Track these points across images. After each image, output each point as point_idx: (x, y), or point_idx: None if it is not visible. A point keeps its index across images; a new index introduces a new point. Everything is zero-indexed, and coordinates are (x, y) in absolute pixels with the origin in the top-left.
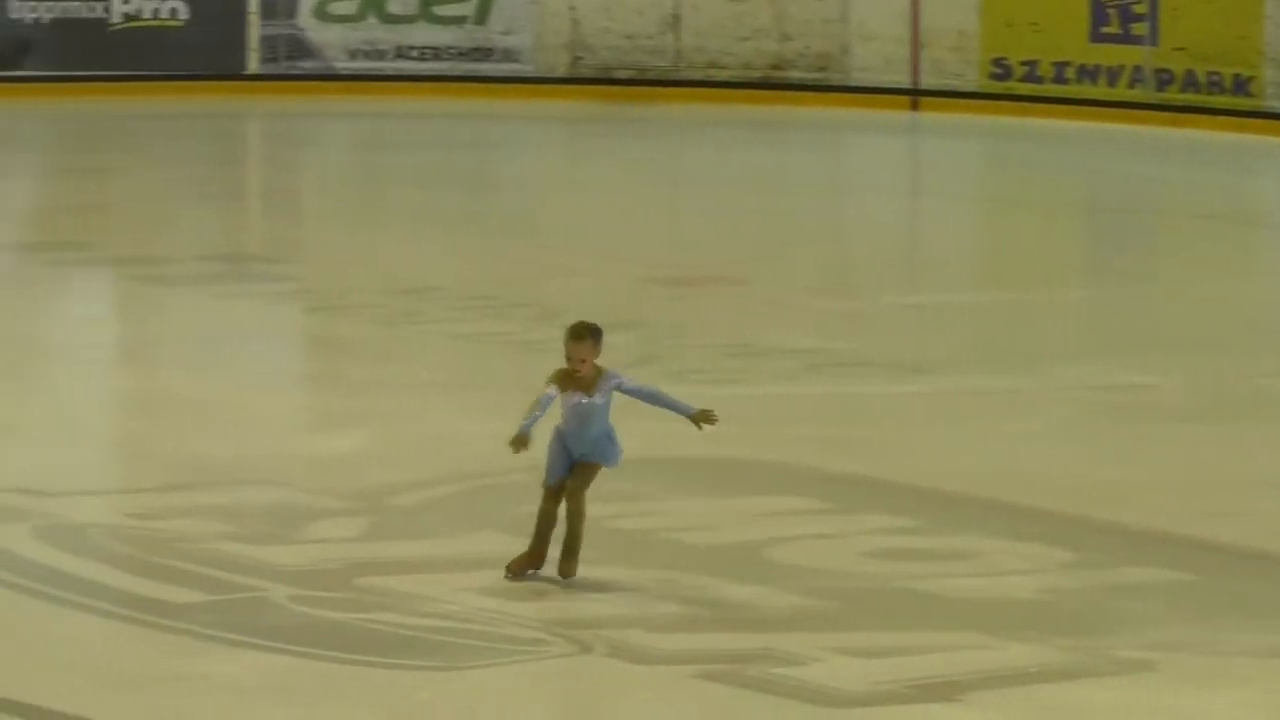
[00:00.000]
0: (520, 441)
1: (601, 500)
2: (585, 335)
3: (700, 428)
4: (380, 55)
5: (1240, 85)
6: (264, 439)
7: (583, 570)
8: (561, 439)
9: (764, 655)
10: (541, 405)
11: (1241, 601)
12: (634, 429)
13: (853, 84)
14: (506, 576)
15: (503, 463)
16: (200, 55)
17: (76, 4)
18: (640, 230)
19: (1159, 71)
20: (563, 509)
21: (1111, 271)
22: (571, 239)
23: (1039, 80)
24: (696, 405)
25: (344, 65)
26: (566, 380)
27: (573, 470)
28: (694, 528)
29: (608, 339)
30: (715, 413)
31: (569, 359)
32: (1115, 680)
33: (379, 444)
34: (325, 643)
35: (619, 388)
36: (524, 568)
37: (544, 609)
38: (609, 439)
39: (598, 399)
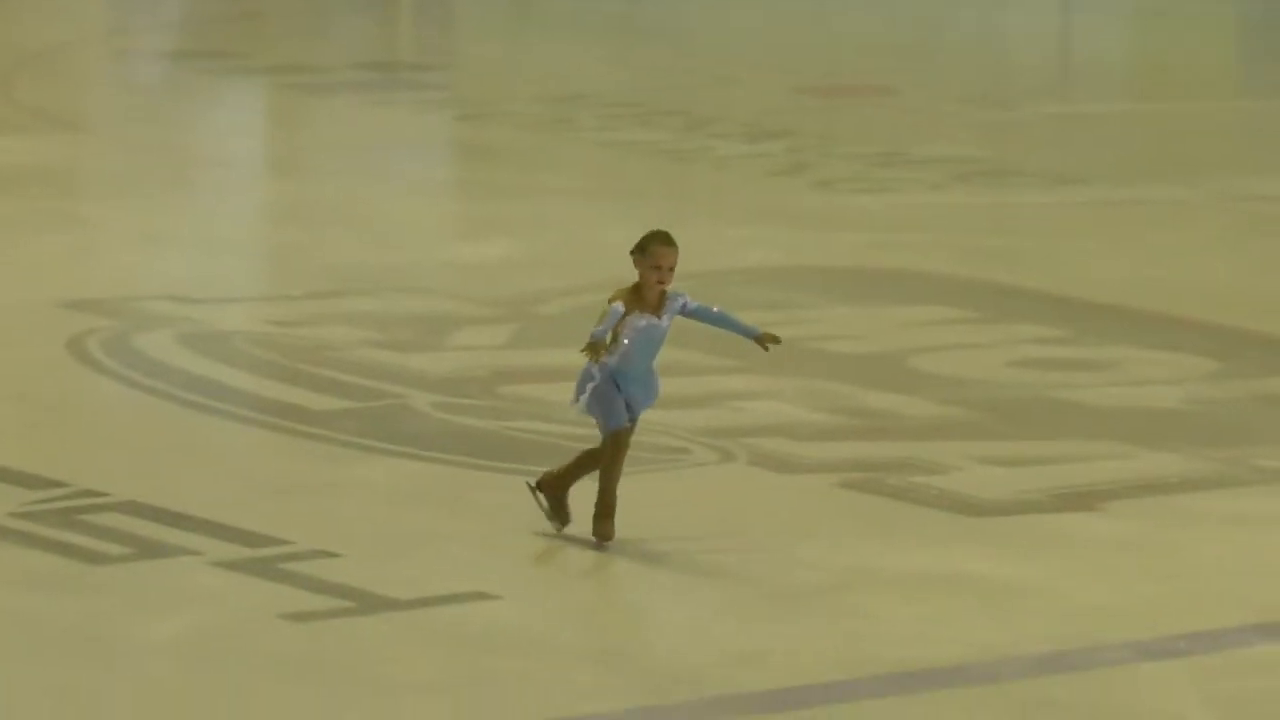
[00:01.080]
0: (597, 348)
1: (746, 308)
2: (674, 241)
3: (766, 348)
4: None
5: None
6: (411, 246)
7: (729, 380)
8: (611, 377)
9: (906, 464)
10: (609, 320)
11: None
12: (779, 239)
13: None
14: (539, 493)
15: None
16: None
17: None
18: (791, 39)
19: None
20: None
21: (1266, 82)
22: (722, 47)
23: None
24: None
25: None
26: (634, 299)
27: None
28: (839, 336)
29: (760, 147)
30: (778, 335)
31: (656, 268)
32: (1257, 490)
33: (526, 251)
34: (468, 450)
35: (684, 309)
36: (554, 492)
37: (688, 417)
38: (655, 372)
39: (664, 321)
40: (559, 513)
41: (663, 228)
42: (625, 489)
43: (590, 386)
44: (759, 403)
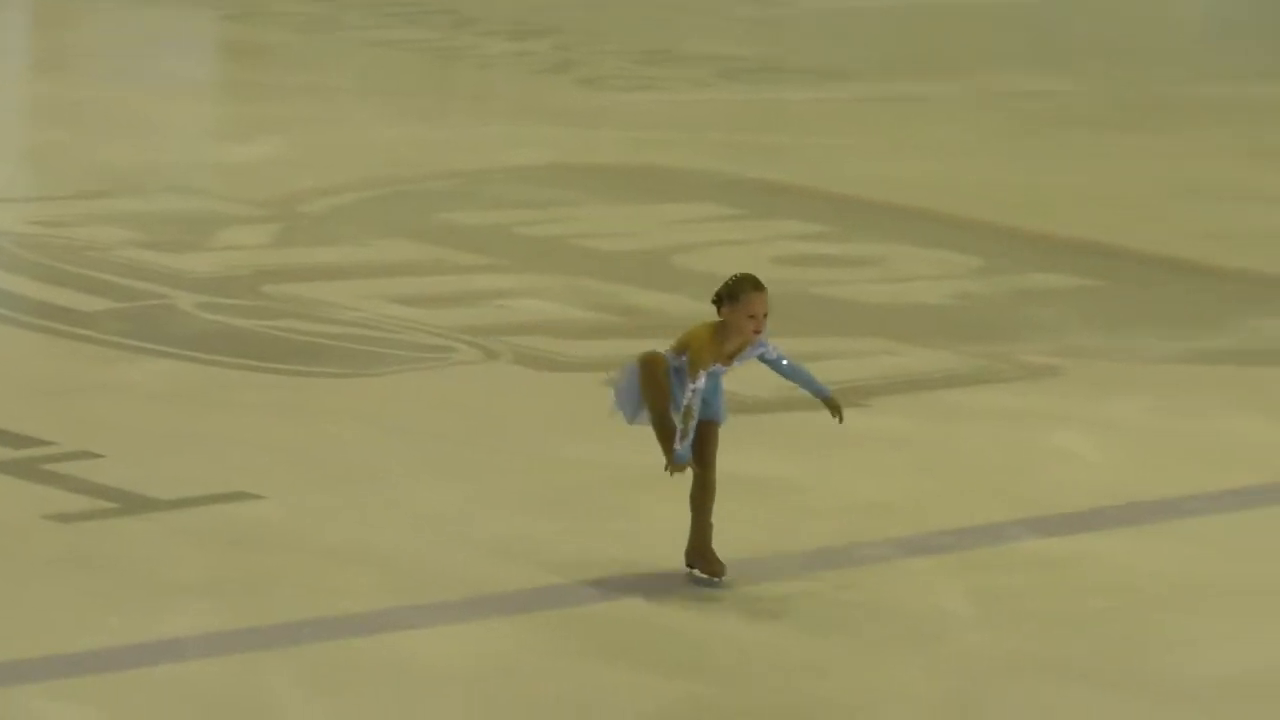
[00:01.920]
0: (681, 468)
1: (510, 207)
2: (763, 285)
3: (840, 419)
4: None
5: None
6: (177, 147)
7: (493, 279)
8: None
9: None
10: (690, 402)
11: (1149, 307)
12: (545, 136)
13: None
14: (703, 576)
15: (416, 169)
16: None
17: None
18: None
19: None
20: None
21: None
22: None
23: None
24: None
25: None
26: (713, 346)
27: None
28: (604, 234)
29: (526, 45)
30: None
31: (752, 317)
32: (1022, 385)
33: (292, 150)
34: (233, 350)
35: (762, 357)
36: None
37: (452, 316)
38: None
39: (735, 364)
40: (714, 567)
41: (750, 273)
42: (390, 388)
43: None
44: (523, 301)
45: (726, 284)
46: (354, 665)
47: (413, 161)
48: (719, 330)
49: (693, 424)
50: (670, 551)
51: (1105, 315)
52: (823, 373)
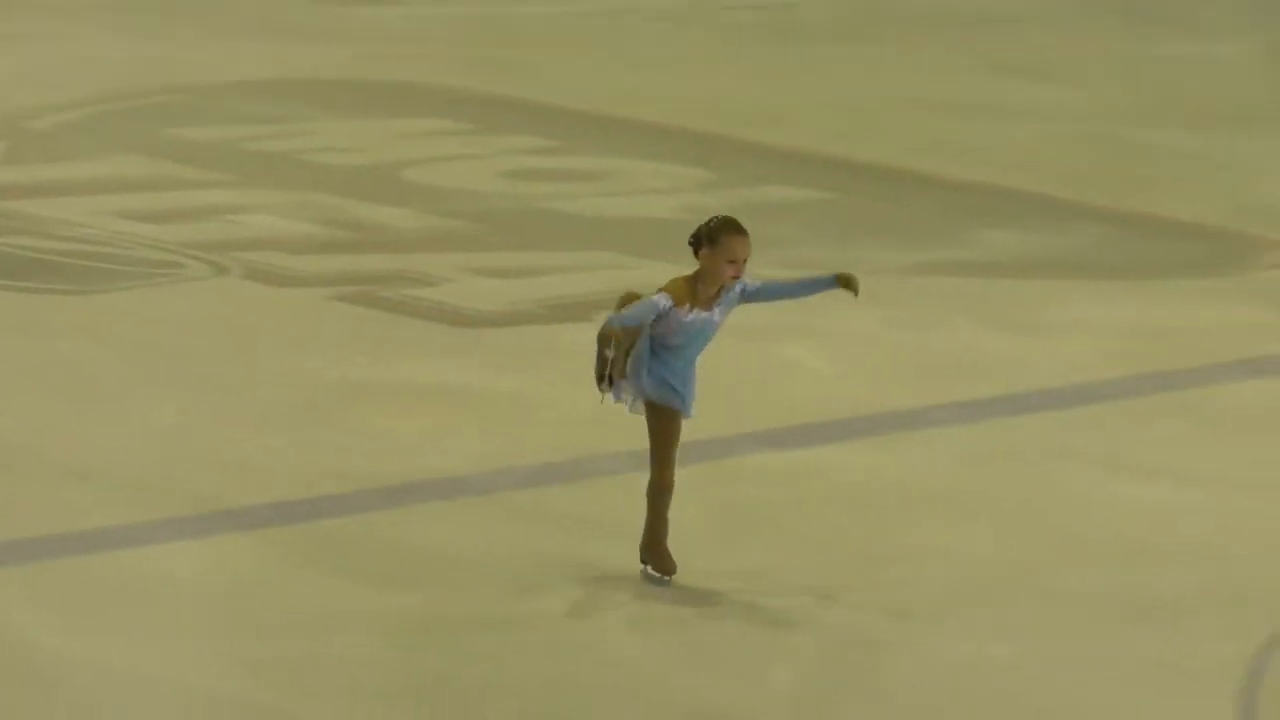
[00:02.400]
0: (610, 339)
1: (239, 123)
2: (745, 228)
3: (856, 292)
4: None
5: None
6: None
7: (221, 194)
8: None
9: (399, 276)
10: (644, 311)
11: (880, 220)
12: (272, 51)
13: None
14: (654, 574)
15: (145, 85)
16: None
17: None
18: None
19: None
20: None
21: None
22: None
23: None
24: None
25: None
26: (687, 291)
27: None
28: (332, 149)
29: None
30: (855, 277)
31: (732, 261)
32: None
33: (19, 66)
34: None
35: (744, 292)
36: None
37: (182, 231)
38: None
39: (717, 315)
40: (666, 564)
41: (730, 215)
42: (120, 305)
43: (640, 370)
44: (252, 216)
45: (706, 226)
46: (86, 582)
47: (141, 77)
48: (694, 278)
49: (641, 312)
50: (399, 465)
51: (835, 227)
52: (552, 288)
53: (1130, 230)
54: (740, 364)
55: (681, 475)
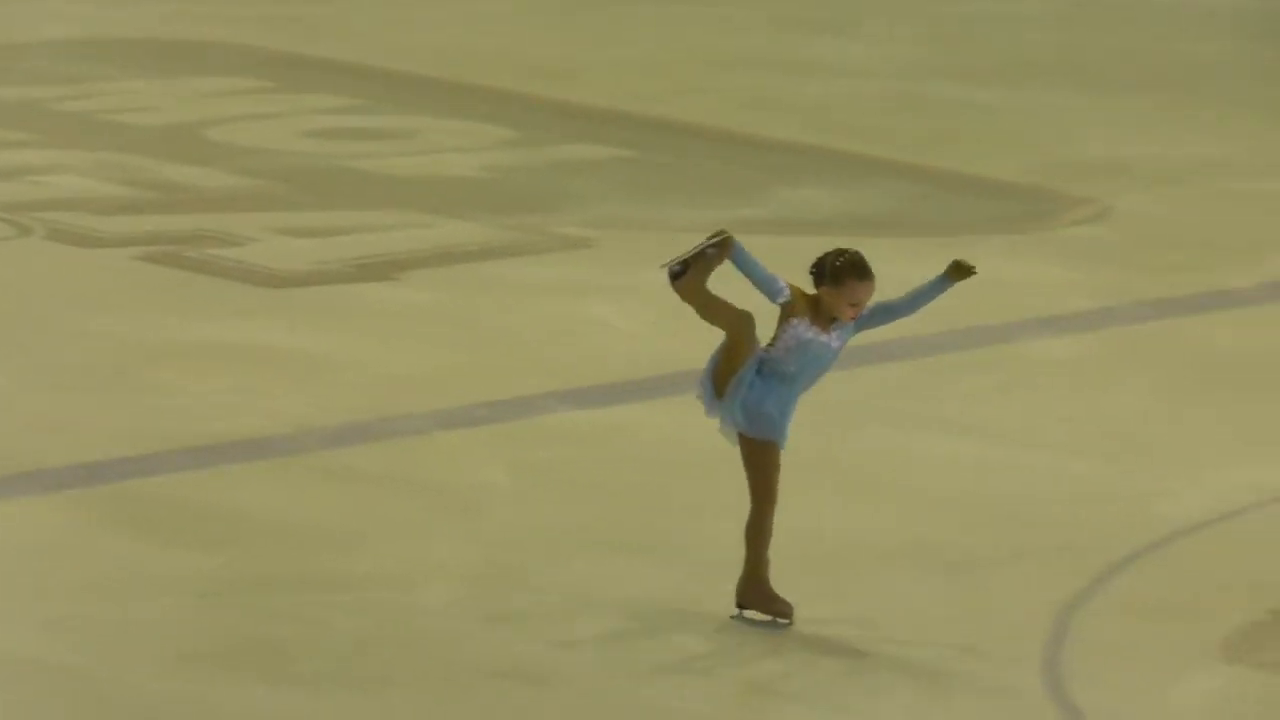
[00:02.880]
0: (727, 247)
1: (43, 83)
2: (872, 271)
3: (973, 271)
4: None
5: None
6: None
7: (22, 153)
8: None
9: (203, 236)
10: (763, 274)
11: (683, 177)
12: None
13: None
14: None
15: None
16: None
17: None
18: None
19: None
20: None
21: None
22: None
23: None
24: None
25: None
26: (807, 309)
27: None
28: (135, 109)
29: None
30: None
31: (853, 305)
32: (555, 257)
33: None
34: None
35: (860, 320)
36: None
37: None
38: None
39: (834, 341)
40: (777, 606)
41: (854, 250)
42: None
43: (741, 390)
44: (55, 176)
45: (831, 262)
46: None
47: None
48: (814, 300)
49: (772, 286)
50: (206, 426)
51: (639, 186)
52: (357, 247)
53: (934, 186)
54: (543, 323)
55: (484, 432)
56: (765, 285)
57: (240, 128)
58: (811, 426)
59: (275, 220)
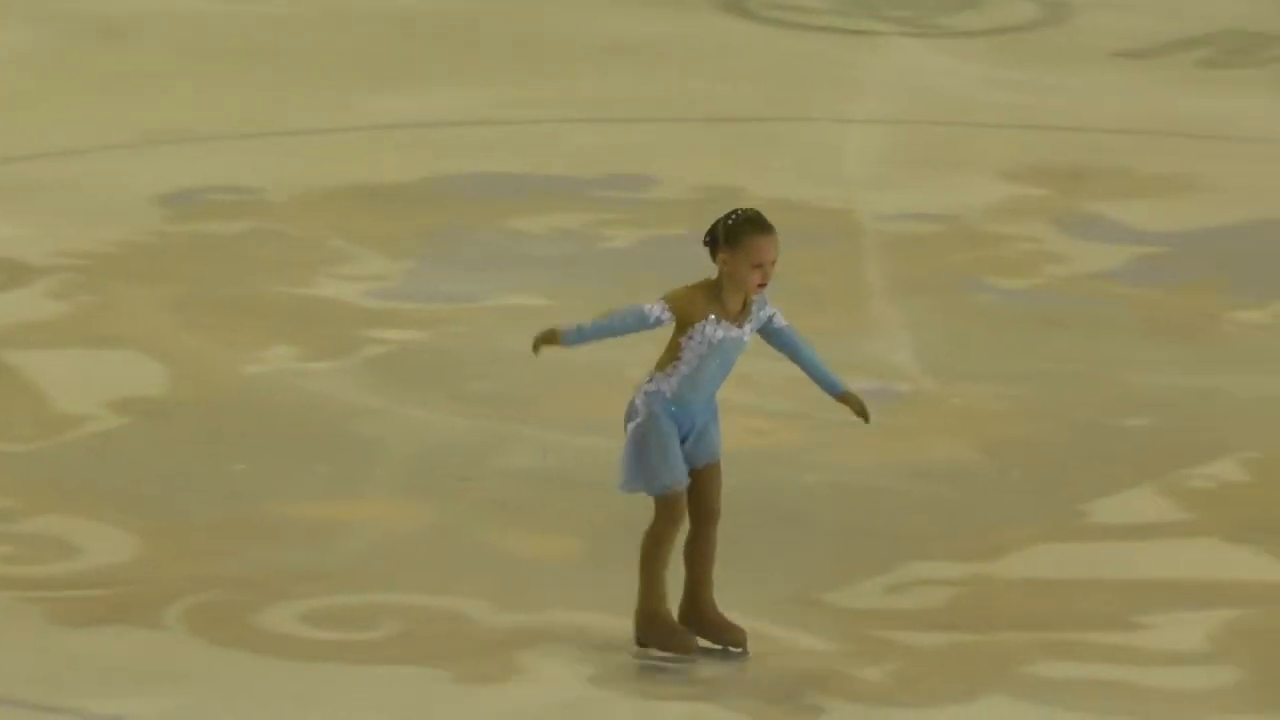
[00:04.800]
0: (550, 339)
1: None
2: (772, 226)
3: (866, 419)
4: None
5: None
6: None
7: None
8: (668, 409)
9: None
10: (620, 324)
11: None
12: None
13: None
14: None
15: None
16: None
17: None
18: None
19: None
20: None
21: None
22: None
23: None
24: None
25: None
26: (706, 301)
27: (700, 475)
28: None
29: None
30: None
31: (757, 266)
32: None
33: None
34: None
35: (772, 322)
36: (690, 638)
37: None
38: (718, 411)
39: (746, 333)
40: (732, 635)
41: (748, 207)
42: None
43: (631, 428)
44: None
45: (724, 224)
46: None
47: None
48: (710, 288)
49: (595, 329)
50: None
51: None
52: None
53: None
54: None
55: None
56: (632, 324)
57: None
58: None
59: None
